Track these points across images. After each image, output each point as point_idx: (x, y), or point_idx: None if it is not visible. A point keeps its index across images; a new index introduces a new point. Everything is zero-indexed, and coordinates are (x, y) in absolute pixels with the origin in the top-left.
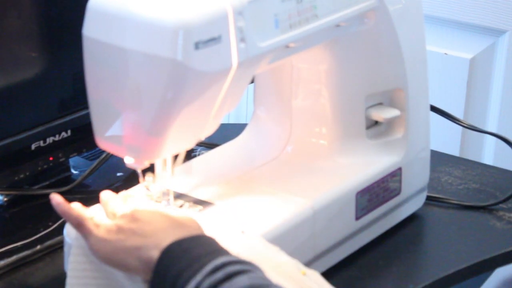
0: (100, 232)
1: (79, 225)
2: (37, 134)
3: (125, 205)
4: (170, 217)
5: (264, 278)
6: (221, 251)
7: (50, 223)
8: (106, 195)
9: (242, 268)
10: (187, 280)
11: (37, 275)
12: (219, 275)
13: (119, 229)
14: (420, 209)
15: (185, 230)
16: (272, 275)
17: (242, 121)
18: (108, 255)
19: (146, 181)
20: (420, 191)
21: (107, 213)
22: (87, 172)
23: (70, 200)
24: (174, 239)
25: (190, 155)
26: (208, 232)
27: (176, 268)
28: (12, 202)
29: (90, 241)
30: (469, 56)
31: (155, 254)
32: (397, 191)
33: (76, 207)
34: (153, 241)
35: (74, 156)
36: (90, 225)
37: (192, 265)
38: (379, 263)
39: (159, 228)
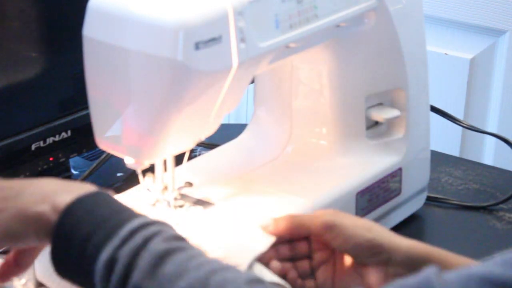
0: None
1: None
2: (37, 134)
3: None
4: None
5: (178, 237)
6: (129, 210)
7: None
8: None
9: (159, 228)
10: (101, 244)
11: None
12: (138, 239)
13: None
14: (420, 210)
15: (77, 188)
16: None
17: (242, 121)
18: None
19: (146, 182)
20: (420, 191)
21: None
22: (87, 172)
23: None
24: (74, 197)
25: (190, 155)
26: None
27: (83, 231)
28: None
29: None
30: (469, 56)
31: (46, 210)
32: (397, 192)
33: None
34: (38, 198)
35: (74, 156)
36: None
37: (102, 227)
38: None
39: (40, 186)
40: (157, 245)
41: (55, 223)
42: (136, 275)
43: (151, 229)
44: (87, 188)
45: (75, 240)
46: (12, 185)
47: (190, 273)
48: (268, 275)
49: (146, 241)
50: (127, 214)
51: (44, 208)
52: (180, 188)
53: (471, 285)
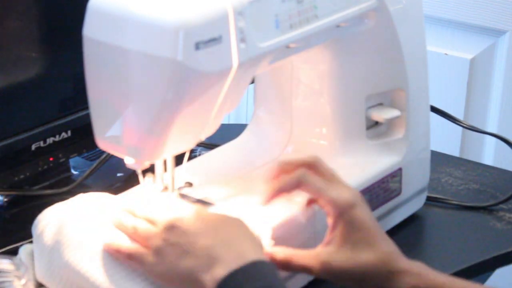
0: (150, 258)
1: (131, 257)
2: (37, 134)
3: (156, 209)
4: (215, 225)
5: None
6: (276, 284)
7: None
8: (125, 205)
9: None
10: None
11: None
12: None
13: (167, 247)
14: (420, 210)
15: (239, 247)
16: None
17: (242, 122)
18: (166, 280)
19: (146, 182)
20: (420, 191)
21: (141, 221)
22: (87, 172)
23: None
24: (228, 271)
25: (190, 155)
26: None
27: None
28: (12, 203)
29: (146, 268)
30: (469, 56)
31: (207, 281)
32: (397, 192)
33: (125, 242)
34: (206, 264)
35: (74, 156)
36: (140, 252)
37: None
38: None
39: (209, 244)
40: None
41: None
42: None
43: None
44: (248, 255)
45: None
46: (189, 238)
47: None
48: None
49: None
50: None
51: (206, 278)
52: (180, 188)
53: None
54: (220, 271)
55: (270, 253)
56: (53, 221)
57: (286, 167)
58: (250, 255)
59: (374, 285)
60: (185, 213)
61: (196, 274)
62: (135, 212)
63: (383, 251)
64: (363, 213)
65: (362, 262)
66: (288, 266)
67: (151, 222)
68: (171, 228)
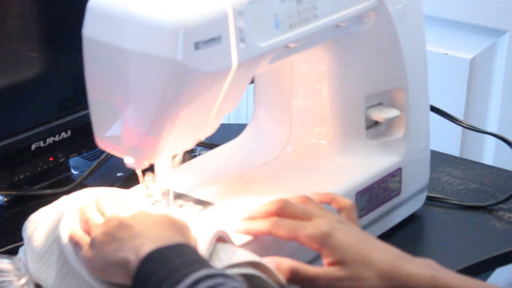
0: (85, 247)
1: (76, 244)
2: (37, 134)
3: (114, 206)
4: (152, 219)
5: None
6: (202, 262)
7: None
8: (97, 194)
9: (223, 281)
10: None
11: None
12: (201, 287)
13: (100, 236)
14: (420, 209)
15: (167, 233)
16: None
17: (242, 121)
18: (92, 264)
19: (146, 181)
20: (420, 191)
21: (95, 212)
22: (87, 172)
23: None
24: (154, 247)
25: (190, 155)
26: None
27: (156, 276)
28: (12, 202)
29: (82, 259)
30: (469, 56)
31: (132, 258)
32: (397, 191)
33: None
34: (130, 245)
35: (74, 156)
36: (81, 242)
37: (173, 275)
38: None
39: (138, 231)
40: None
41: (135, 268)
42: None
43: (216, 280)
44: (174, 238)
45: (149, 286)
46: (122, 229)
47: None
48: (242, 254)
49: None
50: (197, 266)
51: (131, 256)
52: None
53: None
54: (146, 248)
55: (277, 262)
56: (40, 225)
57: (256, 217)
58: (177, 239)
59: None
60: (134, 212)
61: (119, 255)
62: (99, 205)
63: (380, 263)
64: (344, 235)
65: (364, 279)
66: (293, 277)
67: (103, 216)
68: (110, 220)
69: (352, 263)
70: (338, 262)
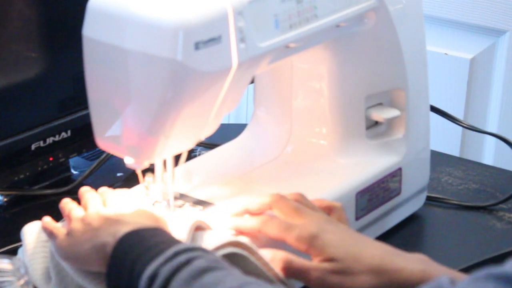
0: (60, 237)
1: (50, 235)
2: (37, 134)
3: (97, 201)
4: (130, 211)
5: (219, 261)
6: (178, 241)
7: None
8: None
9: (201, 254)
10: (147, 263)
11: None
12: (181, 258)
13: (77, 224)
14: (420, 209)
15: (144, 220)
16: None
17: (242, 121)
18: (66, 252)
19: (146, 181)
20: (420, 191)
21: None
22: (87, 172)
23: None
24: (132, 229)
25: (190, 155)
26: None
27: (134, 253)
28: (12, 202)
29: (55, 248)
30: (469, 56)
31: (109, 240)
32: (397, 191)
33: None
34: (107, 229)
35: (74, 156)
36: (55, 232)
37: (151, 250)
38: None
39: (117, 219)
40: (198, 263)
41: (112, 247)
42: (174, 285)
43: (196, 253)
44: (152, 223)
45: (126, 261)
46: (99, 219)
47: (227, 283)
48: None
49: (188, 260)
50: (175, 242)
51: (108, 239)
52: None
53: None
54: (123, 230)
55: (272, 254)
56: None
57: (251, 210)
58: (153, 224)
59: None
60: (113, 205)
61: (99, 239)
62: (83, 198)
63: (371, 259)
64: (333, 235)
65: (355, 276)
66: (287, 269)
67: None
68: (90, 213)
69: (342, 260)
70: (328, 261)
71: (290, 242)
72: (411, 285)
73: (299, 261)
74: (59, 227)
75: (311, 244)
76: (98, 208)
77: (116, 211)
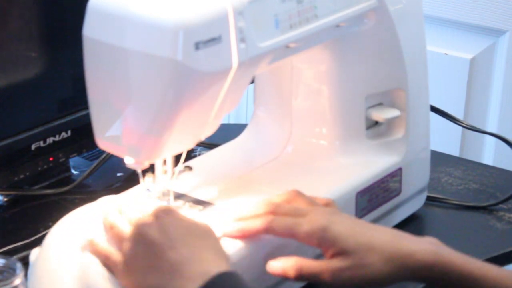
0: (120, 266)
1: (106, 259)
2: (37, 134)
3: (137, 211)
4: (182, 236)
5: None
6: None
7: (50, 223)
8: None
9: None
10: None
11: None
12: None
13: (135, 260)
14: (420, 210)
15: (203, 262)
16: None
17: (242, 121)
18: (124, 281)
19: (146, 182)
20: (420, 191)
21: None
22: (87, 172)
23: (70, 200)
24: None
25: (190, 155)
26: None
27: None
28: (12, 202)
29: (116, 275)
30: (469, 56)
31: None
32: (397, 192)
33: (99, 241)
34: (170, 281)
35: (74, 156)
36: (113, 259)
37: None
38: None
39: (174, 259)
40: None
41: None
42: None
43: None
44: (211, 267)
45: None
46: (157, 254)
47: None
48: None
49: None
50: None
51: None
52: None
53: None
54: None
55: (282, 264)
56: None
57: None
58: (213, 269)
59: (392, 280)
60: (156, 218)
61: None
62: (122, 210)
63: (382, 246)
64: (340, 226)
65: (368, 265)
66: (299, 275)
67: (128, 222)
68: (139, 235)
69: (354, 251)
70: (340, 253)
71: (300, 238)
72: (424, 267)
73: (310, 265)
74: (115, 257)
75: (322, 237)
76: (143, 223)
77: (167, 234)
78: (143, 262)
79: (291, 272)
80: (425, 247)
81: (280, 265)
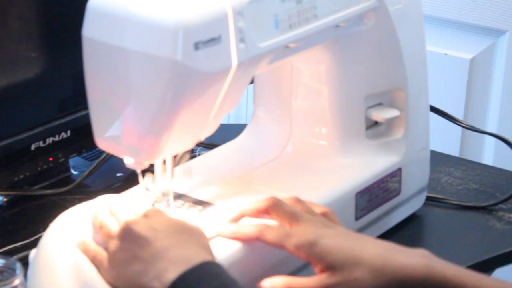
0: (104, 263)
1: (93, 260)
2: (37, 134)
3: (127, 210)
4: (168, 231)
5: None
6: (229, 285)
7: (50, 224)
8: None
9: None
10: None
11: None
12: None
13: (119, 253)
14: (420, 210)
15: (187, 251)
16: None
17: (242, 121)
18: (115, 284)
19: (146, 182)
20: (420, 191)
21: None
22: (87, 172)
23: (70, 200)
24: (178, 272)
25: (190, 155)
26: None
27: None
28: (12, 203)
29: (101, 274)
30: (469, 56)
31: (156, 286)
32: (397, 192)
33: (89, 242)
34: (153, 269)
35: (74, 156)
36: (99, 258)
37: None
38: None
39: (157, 249)
40: None
41: None
42: None
43: None
44: (195, 256)
45: None
46: (140, 245)
47: None
48: None
49: None
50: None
51: (155, 284)
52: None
53: None
54: (169, 275)
55: (270, 282)
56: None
57: (246, 214)
58: (198, 257)
59: None
60: (145, 217)
61: (144, 280)
62: (112, 209)
63: (371, 259)
64: (329, 240)
65: (357, 280)
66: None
67: (117, 221)
68: (126, 231)
69: (342, 266)
70: (329, 268)
71: (289, 251)
72: (415, 281)
73: (299, 282)
74: (101, 251)
75: (310, 252)
76: (131, 223)
77: (153, 230)
78: (126, 254)
79: None
80: (416, 260)
81: (269, 286)
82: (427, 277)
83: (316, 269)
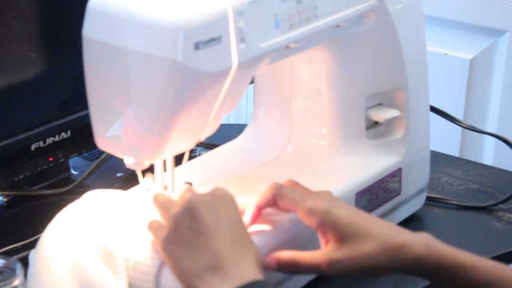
0: (163, 233)
1: (149, 226)
2: (37, 134)
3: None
4: (231, 233)
5: None
6: None
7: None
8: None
9: None
10: None
11: None
12: None
13: (182, 229)
14: (420, 210)
15: (239, 262)
16: None
17: (242, 122)
18: (168, 262)
19: (146, 182)
20: (420, 191)
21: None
22: (87, 172)
23: (70, 200)
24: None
25: (190, 155)
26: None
27: None
28: (12, 203)
29: (157, 240)
30: (469, 56)
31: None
32: (397, 192)
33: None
34: (206, 271)
35: (74, 156)
36: (157, 225)
37: None
38: None
39: (216, 249)
40: None
41: None
42: None
43: None
44: (248, 274)
45: None
46: (197, 231)
47: None
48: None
49: None
50: None
51: (201, 286)
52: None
53: None
54: (218, 286)
55: (276, 256)
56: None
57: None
58: (250, 275)
59: (386, 270)
60: (213, 200)
61: (194, 278)
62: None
63: (379, 235)
64: (342, 211)
65: (364, 254)
66: (295, 268)
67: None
68: (191, 208)
69: (351, 238)
70: (338, 239)
71: (303, 214)
72: (416, 259)
73: (306, 257)
74: (158, 224)
75: (323, 218)
76: (193, 201)
77: (207, 219)
78: (185, 236)
79: (286, 267)
80: (417, 239)
81: (275, 260)
82: (427, 255)
83: (323, 240)
